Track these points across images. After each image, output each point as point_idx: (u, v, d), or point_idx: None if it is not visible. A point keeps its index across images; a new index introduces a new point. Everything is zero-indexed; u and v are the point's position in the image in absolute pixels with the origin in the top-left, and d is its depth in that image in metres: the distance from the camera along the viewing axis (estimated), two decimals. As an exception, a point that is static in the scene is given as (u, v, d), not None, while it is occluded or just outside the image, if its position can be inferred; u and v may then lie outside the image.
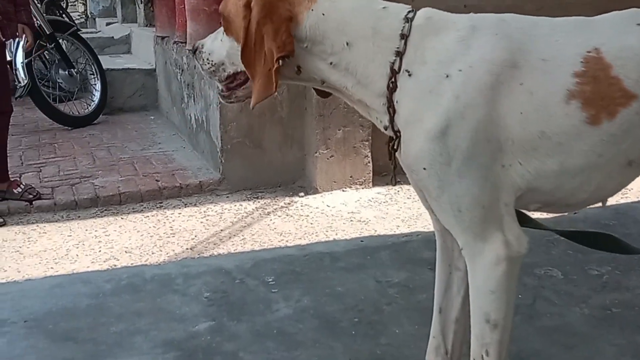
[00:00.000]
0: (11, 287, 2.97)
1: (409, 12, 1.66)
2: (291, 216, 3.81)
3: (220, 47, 1.76)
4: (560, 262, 3.00)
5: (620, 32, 1.60)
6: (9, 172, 4.11)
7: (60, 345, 2.48)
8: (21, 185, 4.06)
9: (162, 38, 5.99)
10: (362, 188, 4.21)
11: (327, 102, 4.02)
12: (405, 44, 1.61)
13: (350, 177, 4.23)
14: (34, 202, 3.99)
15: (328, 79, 1.69)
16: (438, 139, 1.56)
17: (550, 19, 1.68)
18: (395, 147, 1.67)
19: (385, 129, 1.69)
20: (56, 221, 3.83)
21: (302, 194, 4.19)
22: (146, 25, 7.68)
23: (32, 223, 3.80)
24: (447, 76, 1.56)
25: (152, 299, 2.78)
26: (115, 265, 3.20)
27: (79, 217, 3.89)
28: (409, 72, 1.60)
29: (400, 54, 1.61)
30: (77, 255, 3.35)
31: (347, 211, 3.85)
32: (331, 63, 1.66)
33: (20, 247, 3.45)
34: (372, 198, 4.05)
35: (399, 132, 1.65)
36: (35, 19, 5.84)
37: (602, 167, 1.61)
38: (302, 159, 4.36)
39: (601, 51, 1.57)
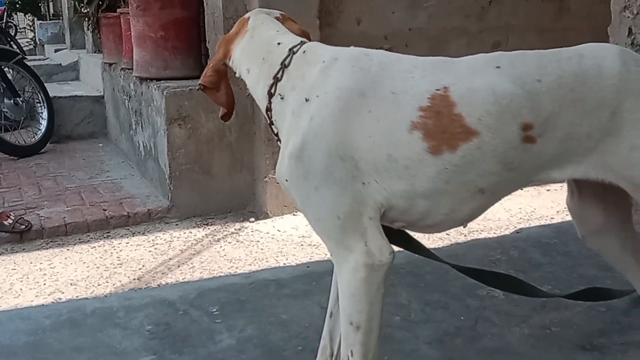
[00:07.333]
0: (-52, 326, 2.89)
1: (295, 45, 1.89)
2: (242, 242, 3.79)
3: None
4: (502, 282, 3.02)
5: (474, 74, 1.74)
6: None
7: (-3, 385, 2.43)
8: (11, 217, 3.92)
9: (110, 65, 5.95)
10: (312, 212, 4.21)
11: (274, 127, 4.02)
12: (283, 71, 1.86)
13: (300, 201, 4.22)
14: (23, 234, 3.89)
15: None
16: (296, 155, 1.77)
17: (416, 57, 1.84)
18: None
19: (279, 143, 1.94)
20: (0, 254, 3.75)
21: (252, 219, 4.17)
22: (95, 52, 7.62)
23: (-26, 257, 3.72)
24: (307, 100, 1.79)
25: (93, 334, 2.73)
26: (60, 299, 3.13)
27: (24, 249, 3.81)
28: (281, 95, 1.87)
29: (277, 80, 1.87)
30: (20, 289, 3.27)
31: (298, 235, 3.84)
32: (247, 85, 2.00)
33: (-40, 283, 3.37)
34: (322, 222, 4.04)
35: None
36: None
37: (451, 192, 1.75)
38: (252, 184, 4.34)
39: (449, 90, 1.71)
